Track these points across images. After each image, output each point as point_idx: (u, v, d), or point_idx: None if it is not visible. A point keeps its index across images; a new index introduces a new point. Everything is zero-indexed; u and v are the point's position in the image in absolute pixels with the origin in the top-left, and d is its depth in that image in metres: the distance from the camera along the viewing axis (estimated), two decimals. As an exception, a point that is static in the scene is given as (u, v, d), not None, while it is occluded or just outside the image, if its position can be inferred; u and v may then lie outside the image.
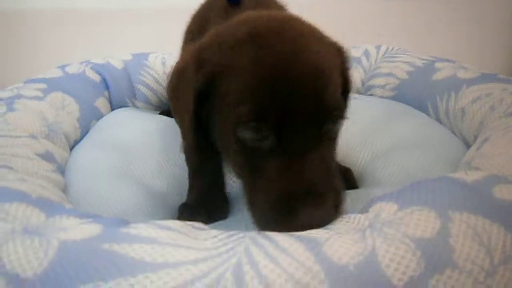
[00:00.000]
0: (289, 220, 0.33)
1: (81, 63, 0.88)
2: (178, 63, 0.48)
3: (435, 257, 0.29)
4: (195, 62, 0.42)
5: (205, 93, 0.41)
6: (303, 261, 0.29)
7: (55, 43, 1.21)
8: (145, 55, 0.97)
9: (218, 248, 0.31)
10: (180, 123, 0.49)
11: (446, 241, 0.30)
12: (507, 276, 0.29)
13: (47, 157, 0.58)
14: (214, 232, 0.35)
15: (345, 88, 0.45)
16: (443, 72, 0.70)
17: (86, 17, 1.18)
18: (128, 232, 0.34)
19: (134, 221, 0.45)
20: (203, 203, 0.54)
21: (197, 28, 0.66)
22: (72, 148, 0.69)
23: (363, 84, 0.87)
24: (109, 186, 0.56)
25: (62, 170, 0.60)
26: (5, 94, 0.68)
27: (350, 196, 0.47)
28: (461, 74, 0.66)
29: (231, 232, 0.34)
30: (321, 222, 0.33)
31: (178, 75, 0.46)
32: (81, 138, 0.73)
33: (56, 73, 0.81)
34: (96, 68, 0.88)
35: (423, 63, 0.75)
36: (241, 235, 0.33)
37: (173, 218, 0.56)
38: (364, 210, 0.38)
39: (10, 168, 0.48)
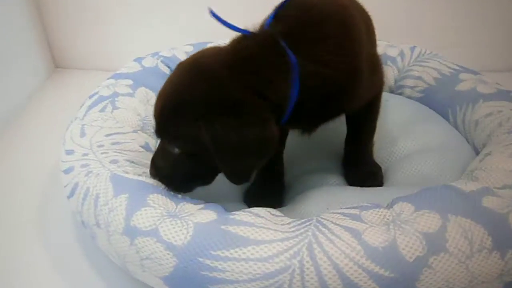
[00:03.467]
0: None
1: (153, 55, 1.02)
2: None
3: (434, 244, 0.46)
4: None
5: None
6: (350, 243, 0.47)
7: (122, 33, 1.35)
8: (203, 44, 1.09)
9: (295, 232, 0.49)
10: None
11: (443, 235, 0.47)
12: (480, 259, 0.46)
13: (147, 148, 0.76)
14: (287, 219, 0.53)
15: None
16: (465, 84, 0.82)
17: (140, 7, 1.31)
18: (234, 218, 0.52)
19: (222, 205, 0.63)
20: (262, 192, 0.69)
21: None
22: (157, 137, 0.86)
23: (395, 82, 0.99)
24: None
25: (156, 157, 0.79)
26: (105, 92, 0.84)
27: (377, 192, 0.64)
28: (480, 88, 0.78)
29: (301, 220, 0.52)
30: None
31: None
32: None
33: (135, 67, 0.95)
34: (165, 61, 1.03)
35: (450, 72, 0.86)
36: (307, 223, 0.51)
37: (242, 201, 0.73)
38: (389, 206, 0.55)
39: (133, 162, 0.67)
